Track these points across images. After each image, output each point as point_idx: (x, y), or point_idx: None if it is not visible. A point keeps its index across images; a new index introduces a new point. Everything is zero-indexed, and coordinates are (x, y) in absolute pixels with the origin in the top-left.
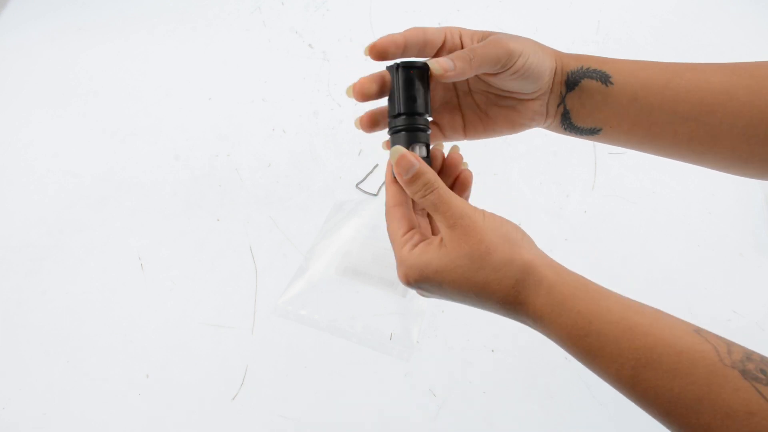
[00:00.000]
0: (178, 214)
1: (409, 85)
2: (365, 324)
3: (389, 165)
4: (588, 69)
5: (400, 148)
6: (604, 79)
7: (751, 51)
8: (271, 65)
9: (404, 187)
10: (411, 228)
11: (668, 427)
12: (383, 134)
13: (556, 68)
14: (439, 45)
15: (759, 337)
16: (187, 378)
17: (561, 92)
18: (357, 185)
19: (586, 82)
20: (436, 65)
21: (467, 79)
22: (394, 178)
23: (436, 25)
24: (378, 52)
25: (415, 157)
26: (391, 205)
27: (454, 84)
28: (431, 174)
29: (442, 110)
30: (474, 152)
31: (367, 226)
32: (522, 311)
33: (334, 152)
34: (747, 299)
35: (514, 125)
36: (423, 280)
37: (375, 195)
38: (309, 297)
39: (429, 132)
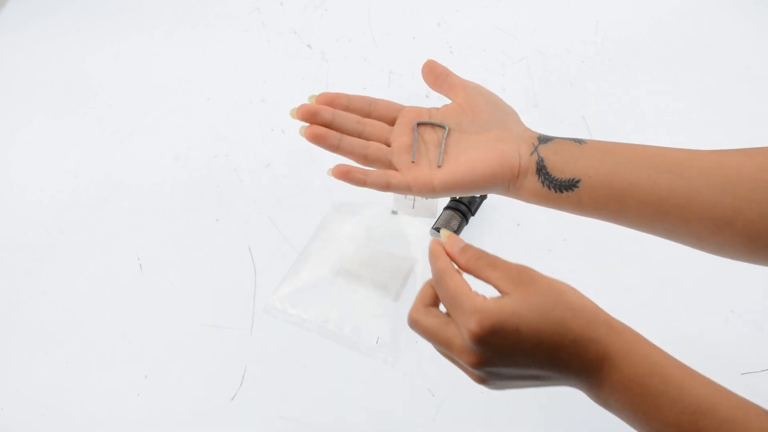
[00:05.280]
0: (177, 215)
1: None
2: (354, 326)
3: (435, 243)
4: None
5: (446, 231)
6: (577, 140)
7: (750, 51)
8: (270, 65)
9: (457, 257)
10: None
11: None
12: None
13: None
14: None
15: (757, 338)
16: (185, 378)
17: (534, 144)
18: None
19: (558, 142)
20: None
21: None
22: (444, 253)
23: (434, 26)
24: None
25: (458, 237)
26: (449, 270)
27: None
28: (476, 247)
29: None
30: None
31: (363, 228)
32: (592, 350)
33: (332, 153)
34: (745, 299)
35: None
36: (499, 326)
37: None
38: (299, 297)
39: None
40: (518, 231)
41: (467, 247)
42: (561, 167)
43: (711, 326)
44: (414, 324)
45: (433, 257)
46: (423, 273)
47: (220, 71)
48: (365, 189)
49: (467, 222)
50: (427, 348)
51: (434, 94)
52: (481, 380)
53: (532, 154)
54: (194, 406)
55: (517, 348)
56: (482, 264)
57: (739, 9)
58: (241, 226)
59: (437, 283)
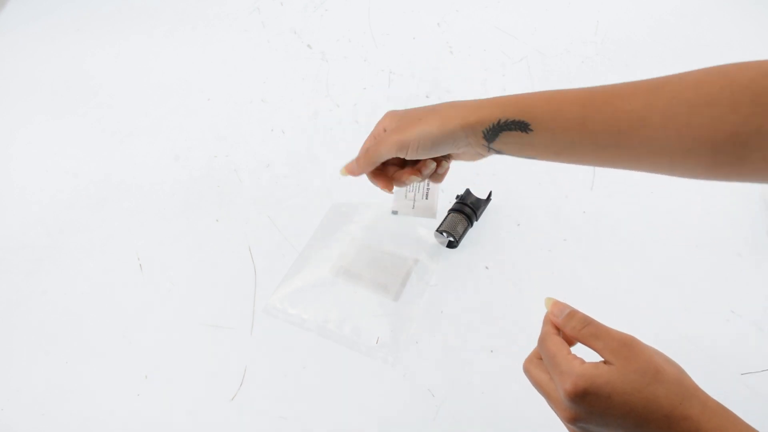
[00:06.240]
0: (177, 215)
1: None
2: (354, 326)
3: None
4: (505, 122)
5: (549, 299)
6: (523, 128)
7: (750, 51)
8: (270, 66)
9: (562, 325)
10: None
11: None
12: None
13: (468, 134)
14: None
15: (757, 338)
16: (185, 378)
17: (483, 144)
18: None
19: (504, 135)
20: (345, 170)
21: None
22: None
23: (435, 26)
24: None
25: (563, 303)
26: (550, 333)
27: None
28: (581, 312)
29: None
30: None
31: (363, 229)
32: (684, 427)
33: (332, 152)
34: (745, 299)
35: (467, 159)
36: (592, 390)
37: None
38: (299, 297)
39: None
40: (518, 231)
41: (572, 315)
42: (514, 153)
43: (711, 326)
44: (526, 372)
45: (544, 320)
46: (423, 273)
47: (220, 71)
48: (365, 189)
49: (472, 225)
50: (427, 348)
51: (434, 94)
52: None
53: (489, 150)
54: (194, 406)
55: (607, 412)
56: (585, 333)
57: (739, 9)
58: (241, 226)
59: (540, 344)
